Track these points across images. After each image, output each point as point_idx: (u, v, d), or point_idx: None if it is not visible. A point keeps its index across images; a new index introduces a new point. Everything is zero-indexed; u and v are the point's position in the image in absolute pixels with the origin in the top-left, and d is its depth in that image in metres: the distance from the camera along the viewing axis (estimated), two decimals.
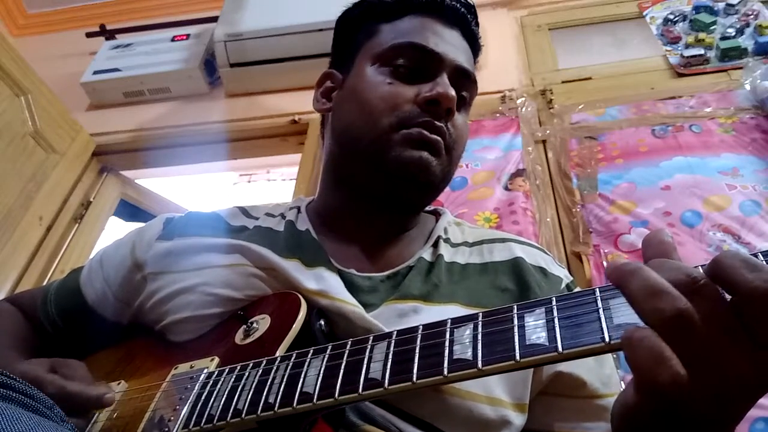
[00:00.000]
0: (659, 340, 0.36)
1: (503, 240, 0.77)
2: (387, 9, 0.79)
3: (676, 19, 1.78)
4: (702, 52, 1.64)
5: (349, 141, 0.76)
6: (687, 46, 1.70)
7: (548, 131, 1.59)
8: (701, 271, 0.38)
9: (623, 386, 0.71)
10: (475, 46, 0.83)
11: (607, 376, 0.68)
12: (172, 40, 2.14)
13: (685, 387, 0.35)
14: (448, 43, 0.77)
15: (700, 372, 0.36)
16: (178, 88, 2.03)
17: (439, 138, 0.72)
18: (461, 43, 0.80)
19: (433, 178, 0.72)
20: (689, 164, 1.39)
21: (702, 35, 1.68)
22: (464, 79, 0.77)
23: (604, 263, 1.28)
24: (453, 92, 0.72)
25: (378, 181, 0.73)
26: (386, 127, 0.71)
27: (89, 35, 2.29)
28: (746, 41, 1.63)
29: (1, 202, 1.56)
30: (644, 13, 1.87)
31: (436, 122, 0.71)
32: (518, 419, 0.63)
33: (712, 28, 1.70)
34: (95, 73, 2.06)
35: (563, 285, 0.73)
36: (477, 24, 0.84)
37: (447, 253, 0.74)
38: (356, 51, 0.80)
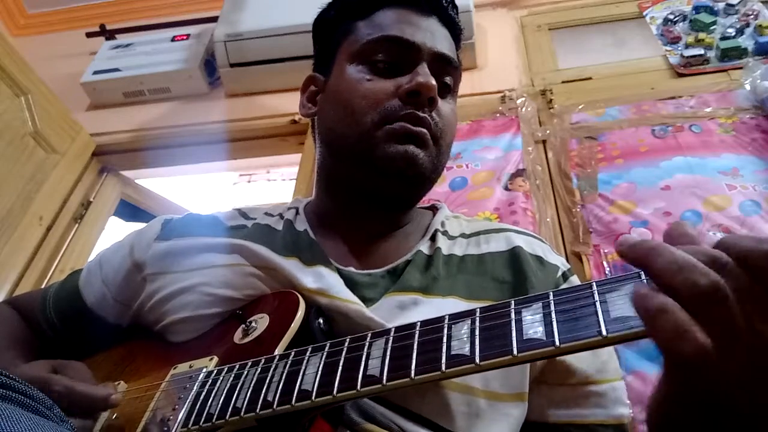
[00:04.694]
0: (682, 312, 0.35)
1: (500, 230, 0.77)
2: (361, 5, 0.79)
3: (676, 19, 1.78)
4: (702, 52, 1.64)
5: (336, 142, 0.76)
6: (687, 46, 1.69)
7: (548, 131, 1.59)
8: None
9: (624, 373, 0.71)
10: (455, 31, 0.82)
11: (602, 362, 0.68)
12: (172, 40, 2.13)
13: (711, 358, 0.35)
14: (425, 31, 0.76)
15: (732, 344, 0.35)
16: (178, 88, 2.03)
17: (424, 129, 0.71)
18: (440, 29, 0.79)
19: (423, 170, 0.72)
20: (689, 164, 1.39)
21: (702, 35, 1.68)
22: (446, 66, 0.77)
23: (604, 263, 1.28)
24: (433, 81, 0.71)
25: (367, 179, 0.73)
26: (369, 124, 0.71)
27: (89, 35, 2.29)
28: (746, 41, 1.63)
29: (1, 202, 1.56)
30: (644, 13, 1.87)
31: (419, 113, 0.71)
32: (517, 410, 0.63)
33: (712, 28, 1.70)
34: (95, 73, 2.05)
35: (559, 273, 0.73)
36: (454, 8, 0.82)
37: (445, 245, 0.74)
38: (335, 52, 0.80)
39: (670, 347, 0.35)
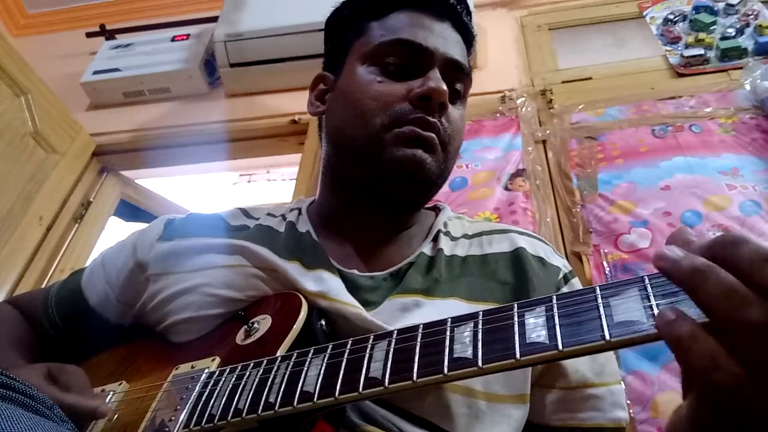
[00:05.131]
0: (713, 341, 0.34)
1: (503, 231, 0.77)
2: (375, 6, 0.79)
3: (676, 19, 1.78)
4: (702, 52, 1.64)
5: (343, 142, 0.76)
6: (687, 46, 1.70)
7: (548, 131, 1.59)
8: None
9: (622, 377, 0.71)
10: (467, 38, 0.82)
11: (600, 366, 0.68)
12: (172, 40, 2.13)
13: (745, 387, 0.34)
14: (438, 36, 0.76)
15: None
16: (178, 88, 2.03)
17: (432, 134, 0.71)
18: (452, 35, 0.78)
19: (429, 175, 0.72)
20: (689, 164, 1.39)
21: (702, 35, 1.68)
22: (457, 72, 0.76)
23: (604, 263, 1.28)
24: (444, 86, 0.71)
25: (374, 181, 0.73)
26: (379, 126, 0.71)
27: (89, 35, 2.29)
28: (746, 41, 1.63)
29: (1, 202, 1.56)
30: (644, 13, 1.87)
31: (429, 118, 0.71)
32: (518, 411, 0.64)
33: (712, 28, 1.70)
34: (95, 73, 2.05)
35: (561, 275, 0.73)
36: (468, 14, 0.82)
37: (447, 246, 0.74)
38: (347, 51, 0.80)
39: (703, 376, 0.35)
